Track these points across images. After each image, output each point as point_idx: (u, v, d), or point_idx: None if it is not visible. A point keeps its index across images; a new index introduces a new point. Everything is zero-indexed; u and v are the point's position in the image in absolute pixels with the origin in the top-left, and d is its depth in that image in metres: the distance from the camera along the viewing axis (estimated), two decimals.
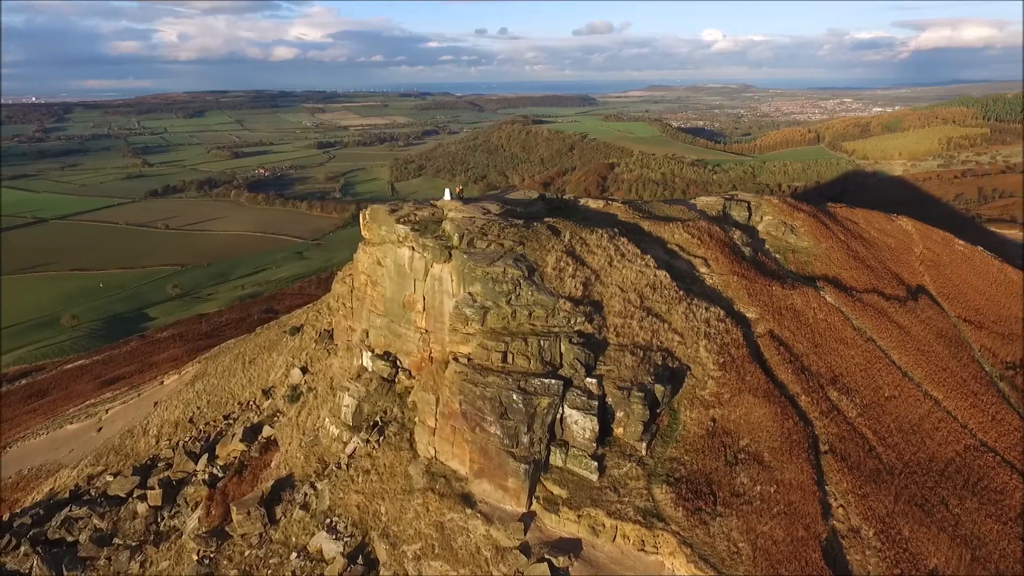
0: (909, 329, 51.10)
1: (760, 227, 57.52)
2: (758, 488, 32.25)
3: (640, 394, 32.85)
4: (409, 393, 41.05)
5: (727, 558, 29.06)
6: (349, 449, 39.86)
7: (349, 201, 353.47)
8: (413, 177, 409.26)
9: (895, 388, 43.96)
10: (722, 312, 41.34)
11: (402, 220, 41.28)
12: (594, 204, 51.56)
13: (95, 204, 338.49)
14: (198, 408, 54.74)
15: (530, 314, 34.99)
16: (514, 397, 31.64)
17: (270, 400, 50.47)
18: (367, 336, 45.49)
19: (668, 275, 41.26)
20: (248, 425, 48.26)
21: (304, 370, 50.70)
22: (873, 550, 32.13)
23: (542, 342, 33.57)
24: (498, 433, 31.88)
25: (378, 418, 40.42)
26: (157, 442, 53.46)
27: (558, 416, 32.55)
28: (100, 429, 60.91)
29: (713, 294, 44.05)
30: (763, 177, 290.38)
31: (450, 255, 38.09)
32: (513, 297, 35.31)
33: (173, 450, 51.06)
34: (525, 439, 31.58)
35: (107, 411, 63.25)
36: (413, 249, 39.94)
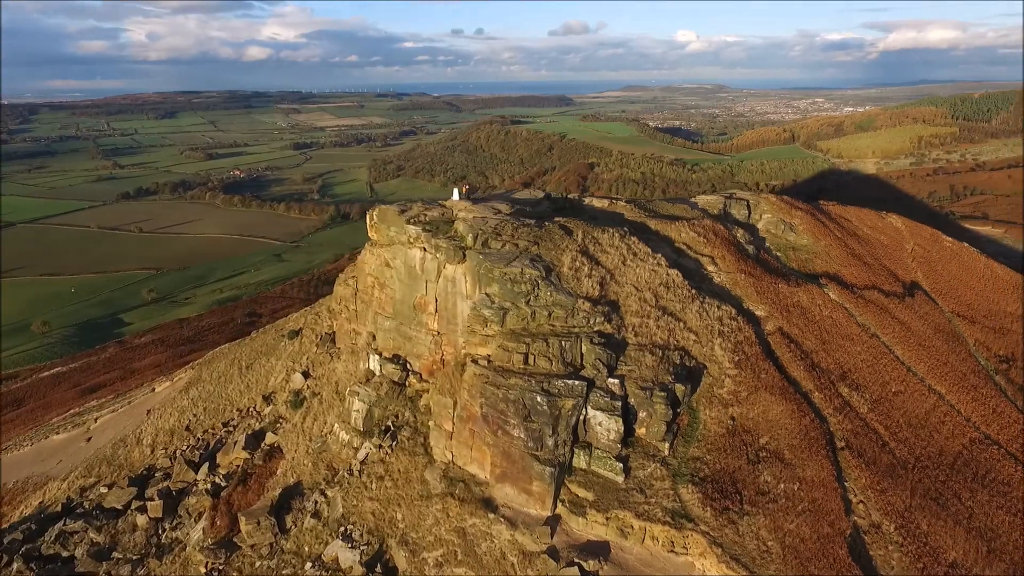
0: (909, 325, 51.82)
1: (760, 225, 57.84)
2: (782, 486, 32.25)
3: (662, 394, 32.63)
4: (420, 397, 40.39)
5: (757, 557, 28.96)
6: (361, 455, 39.02)
7: (327, 203, 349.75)
8: (392, 178, 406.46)
9: (901, 383, 44.48)
10: (733, 310, 41.36)
11: (412, 221, 40.54)
12: (598, 203, 51.32)
13: (64, 207, 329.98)
14: (194, 415, 53.29)
15: (549, 315, 34.56)
16: (538, 399, 31.17)
17: (271, 406, 49.27)
18: (374, 339, 44.66)
19: (680, 274, 41.15)
20: (250, 432, 47.05)
21: (306, 375, 49.60)
22: (895, 545, 32.34)
23: (563, 343, 33.16)
24: (522, 436, 31.38)
25: (390, 423, 39.65)
26: (152, 451, 51.89)
27: (581, 418, 32.15)
28: (89, 439, 58.99)
29: (722, 292, 44.05)
30: (741, 176, 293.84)
31: (464, 256, 37.48)
32: (532, 298, 34.83)
33: (171, 459, 49.60)
34: (550, 442, 31.13)
35: (96, 420, 61.29)
36: (425, 250, 39.24)
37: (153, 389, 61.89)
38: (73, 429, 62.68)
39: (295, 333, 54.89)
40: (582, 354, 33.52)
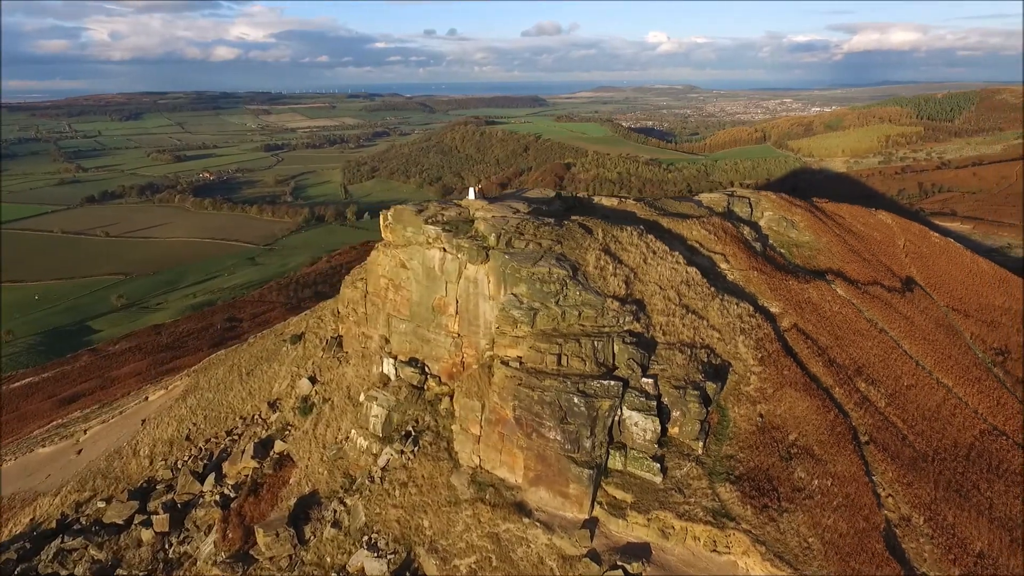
0: (912, 319, 52.67)
1: (762, 222, 58.24)
2: (816, 482, 32.30)
3: (695, 392, 32.44)
4: (440, 400, 39.57)
5: (800, 554, 28.89)
6: (381, 461, 38.04)
7: (301, 205, 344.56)
8: (367, 179, 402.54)
9: (912, 377, 45.10)
10: (751, 307, 41.44)
11: (431, 221, 39.70)
12: (608, 202, 51.08)
13: (26, 212, 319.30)
14: (194, 424, 51.56)
15: (579, 314, 34.09)
16: (575, 400, 30.66)
17: (278, 413, 47.90)
18: (386, 343, 43.68)
19: (698, 272, 41.07)
20: (257, 440, 45.63)
21: (313, 380, 48.33)
22: (926, 537, 32.62)
23: (596, 343, 32.73)
24: (558, 438, 30.84)
25: (410, 428, 38.74)
26: (151, 463, 50.04)
27: (616, 419, 31.74)
28: (80, 452, 56.66)
29: (737, 290, 44.11)
30: (715, 175, 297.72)
31: (487, 256, 36.78)
32: (561, 298, 34.32)
33: (172, 471, 47.87)
34: (587, 443, 30.64)
35: (85, 432, 58.94)
36: (445, 250, 38.44)
37: (146, 398, 59.75)
38: (60, 441, 60.16)
39: (298, 337, 53.48)
40: (614, 354, 33.13)
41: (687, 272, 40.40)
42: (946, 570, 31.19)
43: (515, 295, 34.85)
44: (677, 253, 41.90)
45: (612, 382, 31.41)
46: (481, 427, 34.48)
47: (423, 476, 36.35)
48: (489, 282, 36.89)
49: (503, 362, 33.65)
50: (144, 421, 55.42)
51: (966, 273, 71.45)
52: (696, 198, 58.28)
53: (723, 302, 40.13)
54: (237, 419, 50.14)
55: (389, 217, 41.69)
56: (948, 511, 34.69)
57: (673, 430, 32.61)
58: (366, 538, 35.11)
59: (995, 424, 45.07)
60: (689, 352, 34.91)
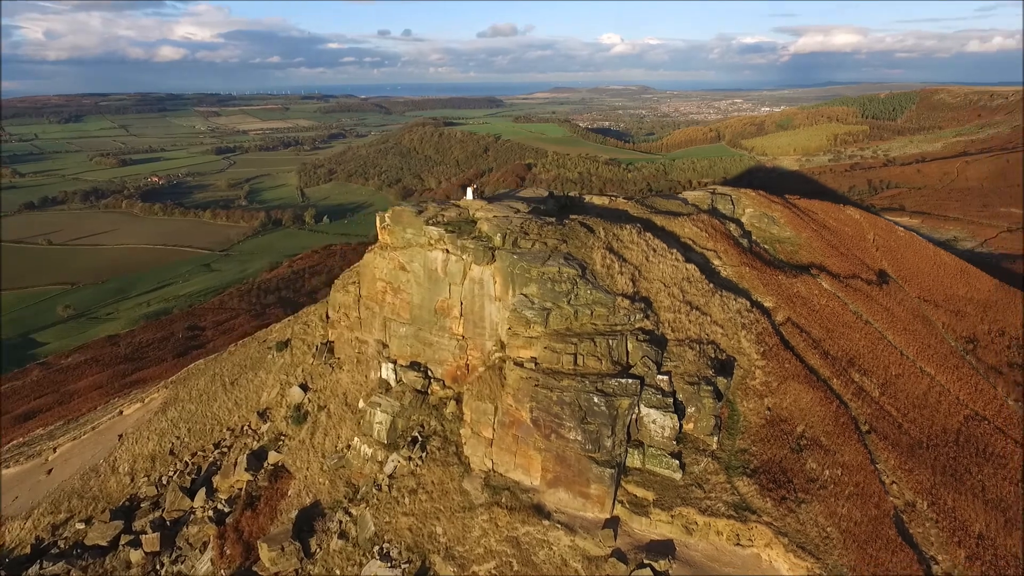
0: (892, 310, 54.44)
1: (744, 219, 59.28)
2: (827, 472, 32.92)
3: (708, 388, 32.69)
4: (446, 404, 38.89)
5: (820, 544, 29.37)
6: (388, 469, 37.12)
7: (256, 208, 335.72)
8: (324, 182, 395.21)
9: (899, 367, 46.56)
10: (747, 303, 42.04)
11: (432, 222, 38.95)
12: (599, 200, 51.15)
13: None
14: (177, 438, 49.43)
15: (591, 313, 33.93)
16: (595, 400, 30.47)
17: (269, 423, 46.32)
18: (384, 347, 42.73)
19: (697, 268, 41.46)
20: (249, 452, 44.01)
21: (304, 388, 46.93)
22: (931, 522, 33.62)
23: (610, 341, 32.61)
24: (579, 439, 30.58)
25: (416, 433, 37.93)
26: (132, 480, 47.75)
27: (634, 417, 31.68)
28: (50, 471, 53.63)
29: (731, 285, 44.70)
30: (674, 175, 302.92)
31: (493, 256, 36.28)
32: (572, 297, 34.08)
33: (157, 487, 45.79)
34: (608, 443, 30.49)
35: (54, 450, 55.84)
36: (447, 252, 37.76)
37: (121, 412, 56.98)
38: (26, 461, 56.84)
39: (284, 344, 51.83)
40: (627, 352, 33.10)
41: (687, 269, 40.73)
42: (953, 553, 32.23)
43: (525, 295, 34.46)
44: (675, 251, 42.20)
45: (630, 380, 31.36)
46: (494, 430, 33.98)
47: (433, 482, 35.63)
48: (495, 283, 36.41)
49: (516, 363, 33.21)
50: (121, 436, 52.83)
51: (931, 265, 74.35)
52: (681, 196, 58.93)
53: (722, 298, 40.61)
54: (224, 431, 48.29)
55: (387, 219, 40.73)
56: (947, 495, 35.88)
57: (688, 426, 32.76)
58: (377, 548, 34.18)
59: (976, 410, 46.89)
60: (698, 348, 35.18)
